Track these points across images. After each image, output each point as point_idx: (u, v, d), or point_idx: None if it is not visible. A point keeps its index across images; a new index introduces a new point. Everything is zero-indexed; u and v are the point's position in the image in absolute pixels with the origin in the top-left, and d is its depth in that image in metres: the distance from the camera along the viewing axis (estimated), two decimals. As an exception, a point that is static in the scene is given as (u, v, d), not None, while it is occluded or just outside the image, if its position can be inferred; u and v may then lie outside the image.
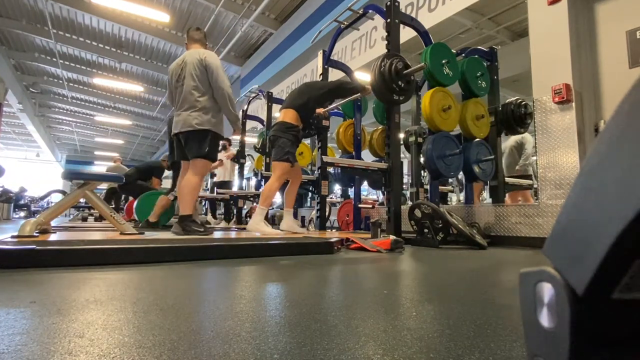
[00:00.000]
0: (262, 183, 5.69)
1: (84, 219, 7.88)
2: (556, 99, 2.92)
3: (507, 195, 4.42)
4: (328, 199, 4.59)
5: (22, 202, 12.12)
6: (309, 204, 7.00)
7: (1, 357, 0.59)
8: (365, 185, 5.86)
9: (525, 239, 3.04)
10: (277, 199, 8.23)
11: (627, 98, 0.27)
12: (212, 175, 7.65)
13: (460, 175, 4.13)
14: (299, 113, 3.37)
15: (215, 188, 6.79)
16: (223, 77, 2.90)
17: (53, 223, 3.74)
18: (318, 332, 0.75)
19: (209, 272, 1.62)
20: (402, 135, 4.30)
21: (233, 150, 7.19)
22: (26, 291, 1.10)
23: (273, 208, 7.19)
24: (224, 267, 1.71)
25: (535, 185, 4.51)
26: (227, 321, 0.81)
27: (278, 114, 3.54)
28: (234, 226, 5.30)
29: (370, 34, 6.11)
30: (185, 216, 2.88)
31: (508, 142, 4.90)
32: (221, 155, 6.74)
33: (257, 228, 3.09)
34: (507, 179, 4.06)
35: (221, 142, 7.00)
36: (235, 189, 6.88)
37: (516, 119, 3.89)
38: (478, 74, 3.79)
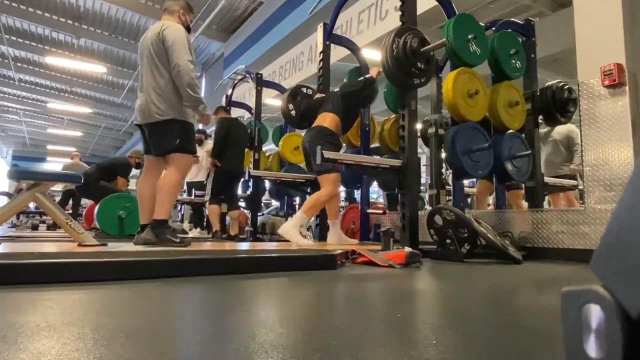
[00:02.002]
0: (250, 184, 5.70)
1: (35, 227, 7.88)
2: (606, 82, 2.92)
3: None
4: (330, 203, 4.58)
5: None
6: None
7: None
8: (374, 186, 5.85)
9: (569, 252, 3.04)
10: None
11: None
12: None
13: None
14: (341, 119, 3.56)
15: (194, 190, 6.78)
16: (180, 52, 2.83)
17: (-3, 232, 3.74)
18: (318, 364, 0.75)
19: (187, 291, 1.61)
20: (419, 126, 4.30)
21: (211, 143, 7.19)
22: (-36, 315, 1.10)
23: (263, 214, 7.19)
24: (205, 286, 1.71)
25: (580, 186, 4.50)
26: (208, 351, 0.81)
27: (269, 100, 3.64)
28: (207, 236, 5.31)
29: (380, 3, 6.11)
30: (161, 221, 2.86)
31: (552, 134, 4.84)
32: (198, 151, 6.72)
33: (288, 232, 3.29)
34: (547, 179, 4.06)
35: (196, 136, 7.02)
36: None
37: (557, 106, 3.89)
38: (511, 52, 3.78)
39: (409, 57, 3.08)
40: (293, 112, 4.58)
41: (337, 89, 3.90)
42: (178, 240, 2.85)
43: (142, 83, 3.00)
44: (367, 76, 3.65)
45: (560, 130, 4.78)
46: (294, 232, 3.30)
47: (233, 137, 4.97)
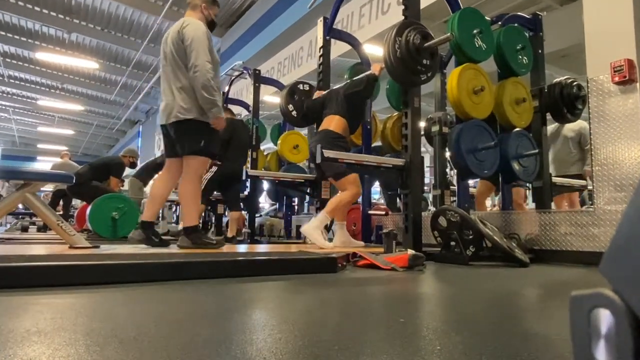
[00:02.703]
0: (248, 184, 5.71)
1: (25, 229, 7.89)
2: (616, 79, 2.92)
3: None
4: (330, 204, 4.59)
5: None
6: (305, 210, 7.00)
7: None
8: (376, 186, 5.85)
9: (577, 254, 3.03)
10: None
11: None
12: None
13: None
14: (347, 121, 3.59)
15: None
16: (199, 51, 2.86)
17: (-15, 234, 3.74)
18: (318, 370, 0.75)
19: (182, 295, 1.62)
20: (423, 124, 4.29)
21: None
22: (-48, 319, 1.10)
23: (261, 215, 7.19)
24: (201, 289, 1.71)
25: (590, 187, 4.50)
26: (205, 357, 0.81)
27: (267, 97, 3.65)
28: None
29: (383, -4, 6.10)
30: (193, 227, 3.02)
31: (563, 131, 4.84)
32: None
33: (313, 235, 3.34)
34: (555, 179, 4.06)
35: None
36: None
37: (566, 103, 3.89)
38: (518, 47, 3.78)
39: (412, 55, 3.09)
40: (293, 112, 4.59)
41: (337, 86, 3.90)
42: (214, 242, 3.02)
43: (165, 83, 3.03)
44: (369, 74, 3.63)
45: (571, 127, 4.74)
46: (317, 234, 3.35)
47: (238, 139, 5.04)
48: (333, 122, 3.56)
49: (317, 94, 4.10)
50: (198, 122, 2.94)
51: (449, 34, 3.23)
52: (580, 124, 4.67)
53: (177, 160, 3.10)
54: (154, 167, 6.65)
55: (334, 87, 3.97)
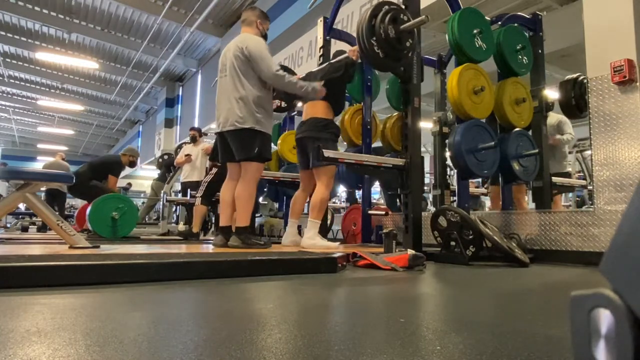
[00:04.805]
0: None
1: (25, 229, 7.89)
2: (616, 79, 2.92)
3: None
4: (330, 204, 4.59)
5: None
6: (305, 210, 6.99)
7: None
8: (376, 186, 5.85)
9: (577, 254, 3.04)
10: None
11: None
12: (169, 169, 8.46)
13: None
14: (331, 104, 3.57)
15: (189, 190, 6.80)
16: (262, 65, 3.13)
17: (-15, 234, 3.74)
18: (317, 370, 0.75)
19: (182, 295, 1.62)
20: (423, 124, 4.29)
21: (207, 142, 7.17)
22: (-48, 319, 1.10)
23: (261, 215, 7.19)
24: (201, 289, 1.71)
25: (590, 187, 4.49)
26: (205, 357, 0.81)
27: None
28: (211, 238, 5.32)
29: (383, -4, 6.10)
30: (243, 228, 3.19)
31: None
32: (190, 149, 6.74)
33: (313, 244, 3.32)
34: (554, 179, 4.06)
35: (190, 133, 7.05)
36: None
37: (577, 99, 3.94)
38: (518, 47, 3.78)
39: (393, 45, 3.06)
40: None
41: (314, 70, 3.84)
42: (262, 242, 3.22)
43: (222, 94, 3.26)
44: (347, 58, 3.61)
45: (549, 122, 4.69)
46: (316, 240, 3.35)
47: None
48: (318, 109, 3.54)
49: (295, 78, 4.07)
50: (253, 130, 3.15)
51: (423, 16, 3.10)
52: (556, 116, 4.65)
53: (235, 165, 3.33)
54: (166, 168, 8.49)
55: (311, 71, 3.91)
